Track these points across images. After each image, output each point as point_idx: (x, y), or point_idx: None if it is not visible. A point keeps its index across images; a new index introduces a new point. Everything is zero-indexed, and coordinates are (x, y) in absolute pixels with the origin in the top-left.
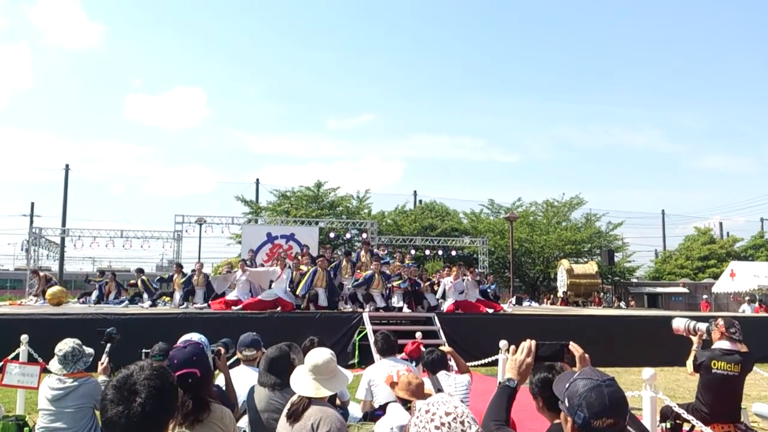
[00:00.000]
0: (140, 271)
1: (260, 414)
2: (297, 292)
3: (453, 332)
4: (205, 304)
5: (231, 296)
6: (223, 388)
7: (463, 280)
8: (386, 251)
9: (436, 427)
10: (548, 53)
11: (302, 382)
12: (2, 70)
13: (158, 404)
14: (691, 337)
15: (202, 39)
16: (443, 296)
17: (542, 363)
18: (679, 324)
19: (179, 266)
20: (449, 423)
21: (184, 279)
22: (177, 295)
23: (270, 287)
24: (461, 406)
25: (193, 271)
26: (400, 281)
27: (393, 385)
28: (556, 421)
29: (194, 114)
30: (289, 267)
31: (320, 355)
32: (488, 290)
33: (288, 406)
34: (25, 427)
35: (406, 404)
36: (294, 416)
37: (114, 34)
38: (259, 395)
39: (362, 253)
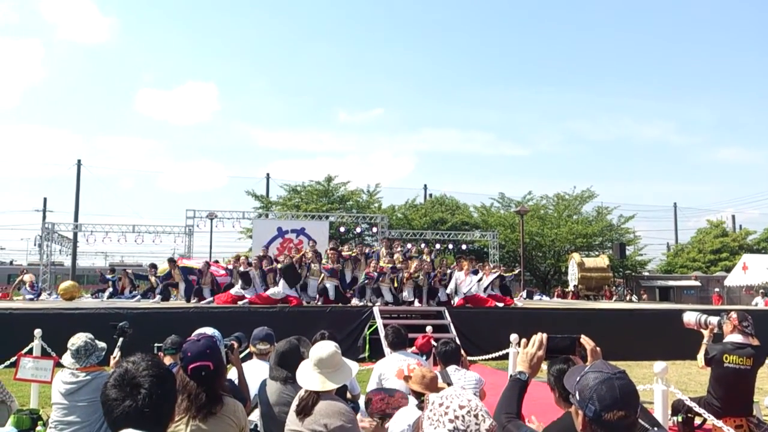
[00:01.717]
0: (153, 266)
1: (272, 407)
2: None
3: (463, 326)
4: (210, 299)
5: (234, 290)
6: (236, 382)
7: (476, 273)
8: (413, 248)
9: (450, 421)
10: (559, 46)
11: (308, 376)
12: (14, 65)
13: (163, 392)
14: (702, 330)
15: (214, 34)
16: (455, 291)
17: (555, 356)
18: (691, 318)
19: (171, 261)
20: (463, 416)
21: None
22: (181, 287)
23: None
24: (475, 399)
25: (200, 271)
26: (417, 274)
27: (407, 378)
28: (571, 409)
29: (205, 109)
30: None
31: (324, 348)
32: (507, 284)
33: (296, 401)
34: (39, 421)
35: (419, 397)
36: (304, 411)
37: (126, 29)
38: (270, 389)
39: (383, 250)
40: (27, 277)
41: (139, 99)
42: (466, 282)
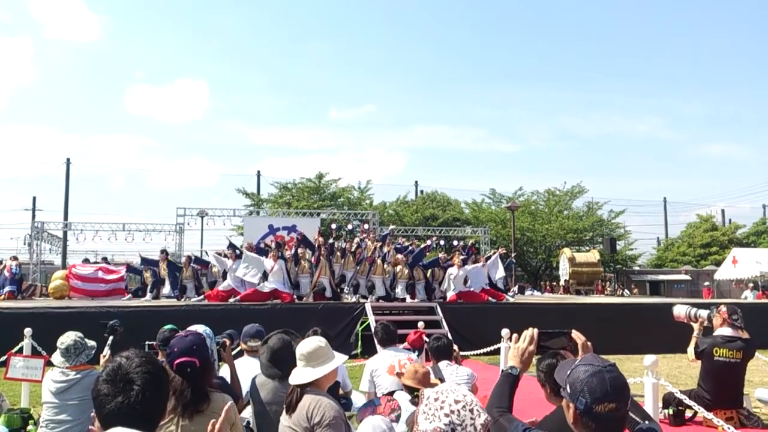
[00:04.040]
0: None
1: (267, 406)
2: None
3: (455, 321)
4: (201, 297)
5: (223, 286)
6: (228, 380)
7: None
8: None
9: (446, 415)
10: (548, 43)
11: (293, 372)
12: (3, 65)
13: (155, 389)
14: (692, 324)
15: (205, 31)
16: (449, 287)
17: (546, 351)
18: (680, 311)
19: (165, 253)
20: (458, 411)
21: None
22: (167, 284)
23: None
24: (470, 394)
25: (181, 264)
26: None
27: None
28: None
29: (196, 106)
30: (283, 258)
31: (307, 344)
32: (512, 264)
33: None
34: (30, 420)
35: (412, 392)
36: (290, 407)
37: (115, 27)
38: (265, 387)
39: (369, 243)
40: (8, 261)
41: (130, 97)
42: (458, 277)
